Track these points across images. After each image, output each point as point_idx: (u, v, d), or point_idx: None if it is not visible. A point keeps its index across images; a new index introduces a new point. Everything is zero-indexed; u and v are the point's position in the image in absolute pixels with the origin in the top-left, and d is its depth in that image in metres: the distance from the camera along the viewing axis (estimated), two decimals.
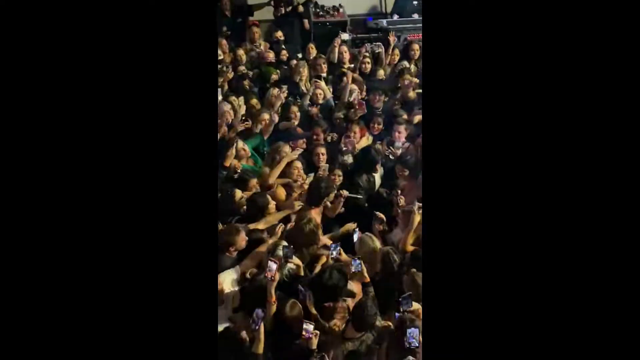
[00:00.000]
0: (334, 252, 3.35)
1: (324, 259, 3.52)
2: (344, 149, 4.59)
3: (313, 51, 6.10)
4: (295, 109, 5.04)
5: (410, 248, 3.56)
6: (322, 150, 4.52)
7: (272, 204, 3.83)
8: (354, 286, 3.20)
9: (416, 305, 2.98)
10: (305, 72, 5.58)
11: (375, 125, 4.89)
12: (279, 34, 6.50)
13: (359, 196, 4.18)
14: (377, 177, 4.51)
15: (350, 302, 3.09)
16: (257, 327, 2.78)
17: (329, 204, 3.98)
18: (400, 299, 2.98)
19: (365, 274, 3.21)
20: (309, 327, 2.83)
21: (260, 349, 2.81)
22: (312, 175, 4.36)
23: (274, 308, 2.99)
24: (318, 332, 2.87)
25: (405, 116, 4.95)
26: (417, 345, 2.69)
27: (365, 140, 4.78)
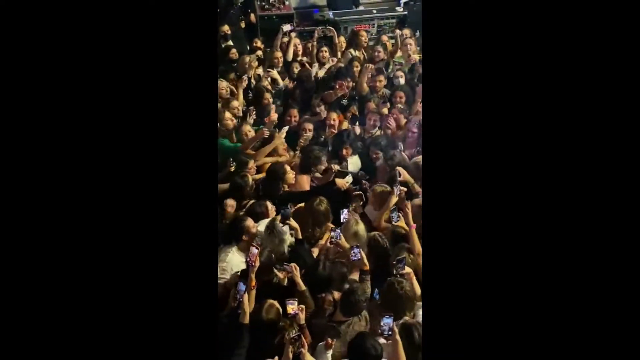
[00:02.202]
0: (335, 236, 3.38)
1: (322, 243, 3.54)
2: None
3: (259, 45, 6.06)
4: (268, 95, 5.05)
5: (384, 225, 3.71)
6: (310, 126, 4.67)
7: (291, 173, 4.09)
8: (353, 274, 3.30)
9: (408, 269, 3.14)
10: (255, 65, 5.50)
11: (351, 114, 4.93)
12: (226, 29, 6.35)
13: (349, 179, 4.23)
14: (351, 162, 4.52)
15: (336, 294, 3.14)
16: (240, 299, 2.92)
17: (318, 174, 4.12)
18: (395, 262, 3.12)
19: (365, 262, 3.26)
20: (293, 304, 2.91)
21: (246, 319, 2.92)
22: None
23: (253, 293, 3.07)
24: (303, 306, 2.94)
25: (373, 105, 5.02)
26: (390, 333, 2.74)
27: (345, 126, 4.84)
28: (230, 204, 3.77)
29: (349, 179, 4.15)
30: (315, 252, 3.49)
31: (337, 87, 5.05)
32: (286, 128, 4.53)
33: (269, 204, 3.75)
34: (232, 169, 4.18)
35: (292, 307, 2.91)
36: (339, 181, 4.08)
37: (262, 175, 4.28)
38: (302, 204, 3.80)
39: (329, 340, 2.88)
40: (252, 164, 4.19)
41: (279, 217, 3.45)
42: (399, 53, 5.82)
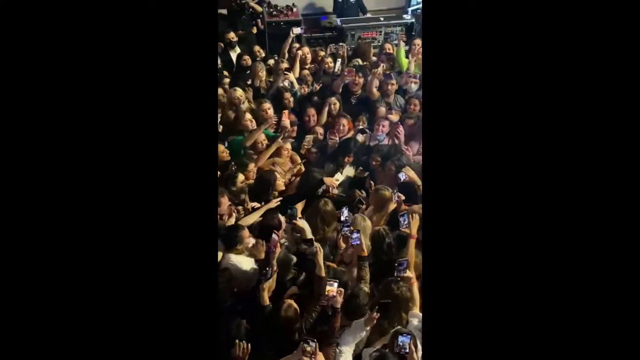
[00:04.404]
0: (355, 237, 3.34)
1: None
2: (330, 140, 4.67)
3: (261, 54, 6.11)
4: (288, 94, 5.09)
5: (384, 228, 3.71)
6: (320, 130, 4.73)
7: (281, 180, 4.13)
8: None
9: (409, 273, 3.11)
10: (263, 74, 5.51)
11: (360, 124, 4.89)
12: (232, 36, 6.35)
13: (342, 195, 4.21)
14: (345, 171, 4.51)
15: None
16: (263, 281, 3.01)
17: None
18: (397, 264, 3.10)
19: (364, 247, 3.26)
20: (333, 285, 2.92)
21: (266, 300, 3.02)
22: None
23: (274, 278, 3.13)
24: (342, 290, 2.94)
25: (383, 110, 5.01)
26: (407, 351, 2.70)
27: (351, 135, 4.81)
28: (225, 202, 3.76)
29: (339, 176, 4.14)
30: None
31: (346, 73, 5.11)
32: (291, 140, 4.58)
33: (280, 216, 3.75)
34: (234, 169, 4.18)
35: (332, 288, 2.92)
36: (328, 179, 4.05)
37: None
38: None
39: (374, 314, 2.87)
40: (252, 166, 4.22)
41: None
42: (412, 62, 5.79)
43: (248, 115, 4.73)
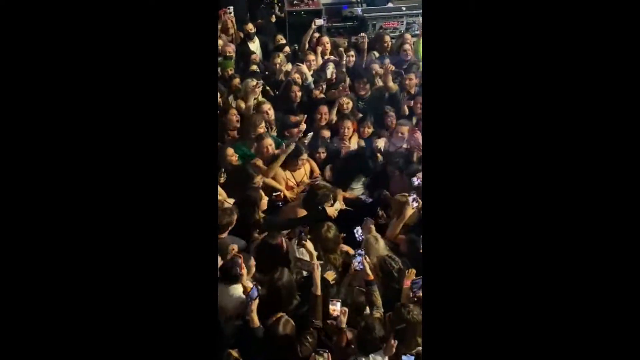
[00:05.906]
0: (358, 264, 3.21)
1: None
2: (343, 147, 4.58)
3: (282, 42, 6.06)
4: (296, 88, 4.99)
5: (400, 237, 3.64)
6: (327, 133, 4.61)
7: (265, 199, 3.89)
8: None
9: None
10: (285, 67, 5.43)
11: (365, 130, 4.78)
12: (250, 27, 6.29)
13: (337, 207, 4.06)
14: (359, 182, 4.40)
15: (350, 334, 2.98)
16: (250, 302, 2.92)
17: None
18: (412, 283, 3.05)
19: (369, 271, 3.16)
20: (336, 305, 2.89)
21: (256, 323, 2.93)
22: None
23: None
24: (346, 309, 2.91)
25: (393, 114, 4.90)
26: None
27: (356, 138, 4.71)
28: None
29: (337, 206, 3.96)
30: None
31: (340, 88, 5.02)
32: (292, 146, 4.31)
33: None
34: (222, 180, 3.98)
35: (335, 308, 2.89)
36: (330, 210, 3.88)
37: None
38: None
39: (393, 342, 2.80)
40: (259, 179, 4.03)
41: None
42: None
43: (263, 124, 4.51)
